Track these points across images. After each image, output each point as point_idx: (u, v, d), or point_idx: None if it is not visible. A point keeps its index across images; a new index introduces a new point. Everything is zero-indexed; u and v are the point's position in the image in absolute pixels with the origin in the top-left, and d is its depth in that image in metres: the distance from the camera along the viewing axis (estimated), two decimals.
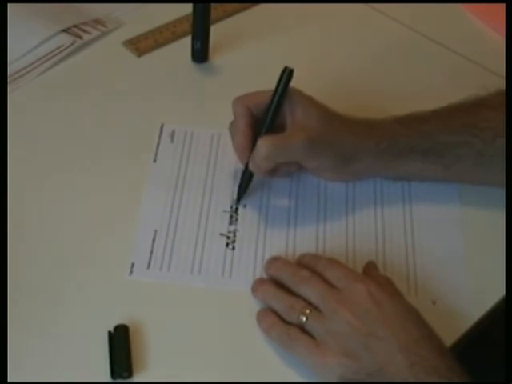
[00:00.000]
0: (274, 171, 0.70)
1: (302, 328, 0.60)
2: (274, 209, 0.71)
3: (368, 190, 0.73)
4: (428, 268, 0.67)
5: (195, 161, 0.75)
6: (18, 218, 0.68)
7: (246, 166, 0.69)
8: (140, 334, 0.61)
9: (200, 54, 0.84)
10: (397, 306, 0.59)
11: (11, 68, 0.81)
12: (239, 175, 0.71)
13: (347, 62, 0.86)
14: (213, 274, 0.66)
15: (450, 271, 0.67)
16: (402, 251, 0.68)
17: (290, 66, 0.67)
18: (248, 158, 0.68)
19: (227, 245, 0.68)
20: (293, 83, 0.67)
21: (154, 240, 0.68)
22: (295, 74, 0.67)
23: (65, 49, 0.84)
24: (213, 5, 0.81)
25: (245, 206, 0.71)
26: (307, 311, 0.60)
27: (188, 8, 0.82)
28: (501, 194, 0.67)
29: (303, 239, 0.69)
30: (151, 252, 0.67)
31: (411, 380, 0.56)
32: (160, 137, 0.77)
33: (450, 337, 0.62)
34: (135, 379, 0.59)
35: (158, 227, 0.69)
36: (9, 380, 0.57)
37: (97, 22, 0.88)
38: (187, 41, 0.84)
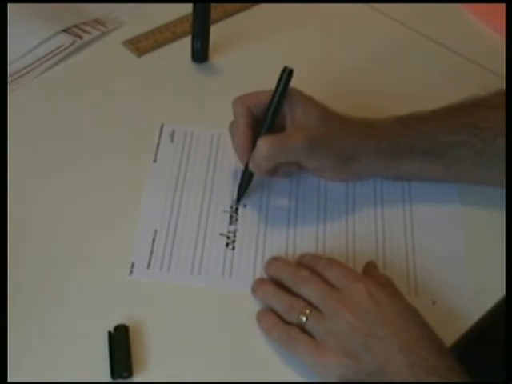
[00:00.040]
0: (274, 171, 0.70)
1: (302, 328, 0.60)
2: (274, 209, 0.71)
3: (368, 190, 0.73)
4: (428, 268, 0.67)
5: (195, 161, 0.75)
6: (18, 217, 0.68)
7: (246, 166, 0.69)
8: (140, 334, 0.61)
9: (200, 54, 0.84)
10: (397, 306, 0.59)
11: (11, 68, 0.81)
12: (239, 175, 0.71)
13: (347, 62, 0.86)
14: (213, 274, 0.66)
15: (450, 271, 0.67)
16: (401, 251, 0.68)
17: (290, 66, 0.67)
18: (248, 158, 0.68)
19: (227, 245, 0.68)
20: (293, 83, 0.67)
21: (153, 240, 0.68)
22: (295, 74, 0.67)
23: (65, 49, 0.84)
24: (213, 5, 0.81)
25: (245, 205, 0.71)
26: (307, 311, 0.60)
27: (188, 8, 0.82)
28: (501, 193, 0.67)
29: (303, 239, 0.69)
30: (151, 252, 0.67)
31: (411, 380, 0.56)
32: (160, 137, 0.77)
33: (450, 337, 0.62)
34: (135, 379, 0.59)
35: (158, 227, 0.69)
36: (9, 380, 0.57)
37: (97, 22, 0.88)
38: (187, 41, 0.84)
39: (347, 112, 0.70)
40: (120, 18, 0.89)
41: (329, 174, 0.71)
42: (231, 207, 0.71)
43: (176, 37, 0.87)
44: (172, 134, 0.77)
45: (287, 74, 0.67)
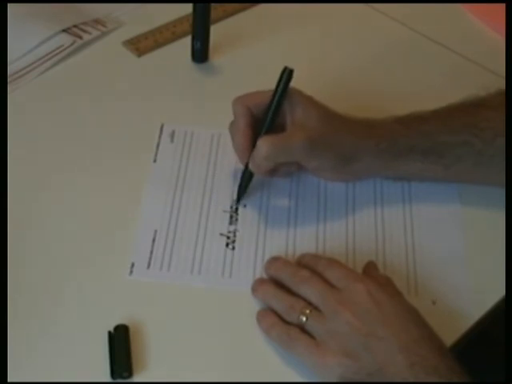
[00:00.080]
0: (273, 171, 0.70)
1: (302, 328, 0.60)
2: (274, 209, 0.71)
3: (368, 190, 0.73)
4: (428, 268, 0.67)
5: (195, 161, 0.75)
6: (18, 217, 0.68)
7: (246, 166, 0.69)
8: (140, 334, 0.61)
9: (200, 54, 0.84)
10: (397, 306, 0.59)
11: (11, 68, 0.81)
12: (239, 175, 0.71)
13: (347, 62, 0.86)
14: (213, 274, 0.66)
15: (450, 271, 0.67)
16: (401, 251, 0.68)
17: (290, 66, 0.67)
18: (248, 158, 0.68)
19: (227, 245, 0.68)
20: (293, 83, 0.67)
21: (153, 240, 0.68)
22: (295, 74, 0.67)
23: (65, 49, 0.84)
24: (213, 5, 0.81)
25: (245, 205, 0.71)
26: (307, 311, 0.60)
27: (188, 8, 0.82)
28: (501, 193, 0.67)
29: (303, 239, 0.69)
30: (151, 252, 0.67)
31: (411, 380, 0.56)
32: (160, 137, 0.77)
33: (450, 337, 0.62)
34: (135, 379, 0.59)
35: (158, 227, 0.69)
36: (9, 380, 0.57)
37: (97, 22, 0.88)
38: (187, 41, 0.84)
39: (347, 112, 0.70)
40: (120, 18, 0.89)
41: (329, 174, 0.71)
42: (231, 207, 0.71)
43: (176, 37, 0.87)
44: (172, 134, 0.77)
45: (287, 74, 0.67)
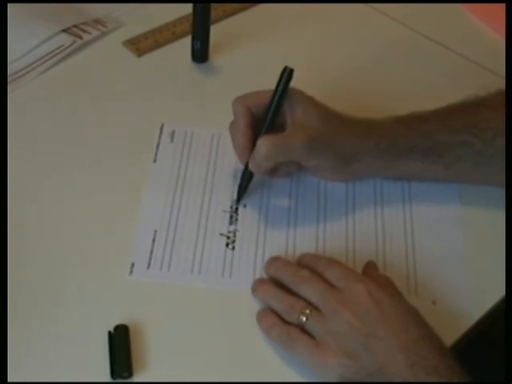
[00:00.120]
0: (273, 171, 0.70)
1: (302, 328, 0.60)
2: (274, 209, 0.71)
3: (368, 190, 0.73)
4: (428, 268, 0.67)
5: (195, 161, 0.75)
6: (18, 217, 0.68)
7: (246, 166, 0.69)
8: (140, 334, 0.61)
9: (200, 54, 0.84)
10: (397, 306, 0.59)
11: (11, 68, 0.81)
12: (239, 175, 0.71)
13: (347, 62, 0.86)
14: (213, 274, 0.66)
15: (450, 271, 0.67)
16: (401, 251, 0.68)
17: (290, 66, 0.67)
18: (248, 158, 0.68)
19: (227, 245, 0.68)
20: (293, 83, 0.67)
21: (154, 240, 0.68)
22: (295, 74, 0.67)
23: (65, 49, 0.84)
24: (213, 5, 0.81)
25: (245, 205, 0.71)
26: (307, 311, 0.60)
27: (188, 8, 0.82)
28: (501, 193, 0.67)
29: (303, 239, 0.69)
30: (151, 252, 0.67)
31: (411, 380, 0.56)
32: (160, 137, 0.77)
33: (450, 337, 0.62)
34: (135, 379, 0.59)
35: (158, 227, 0.69)
36: (9, 380, 0.57)
37: (97, 22, 0.88)
38: (187, 41, 0.84)
39: (347, 112, 0.70)
40: (120, 18, 0.89)
41: (329, 174, 0.71)
42: (231, 207, 0.71)
43: (176, 37, 0.87)
44: (172, 134, 0.77)
45: (287, 73, 0.67)
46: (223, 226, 0.69)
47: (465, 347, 0.63)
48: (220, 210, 0.71)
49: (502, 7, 0.83)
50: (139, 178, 0.73)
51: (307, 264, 0.64)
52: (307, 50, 0.87)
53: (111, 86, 0.82)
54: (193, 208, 0.71)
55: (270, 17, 0.91)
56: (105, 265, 0.66)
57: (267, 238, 0.69)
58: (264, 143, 0.66)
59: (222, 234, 0.69)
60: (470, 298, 0.65)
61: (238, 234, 0.69)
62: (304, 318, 0.60)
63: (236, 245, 0.68)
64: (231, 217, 0.70)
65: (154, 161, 0.74)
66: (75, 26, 0.86)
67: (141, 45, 0.86)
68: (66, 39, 0.84)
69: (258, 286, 0.64)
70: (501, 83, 0.70)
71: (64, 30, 0.85)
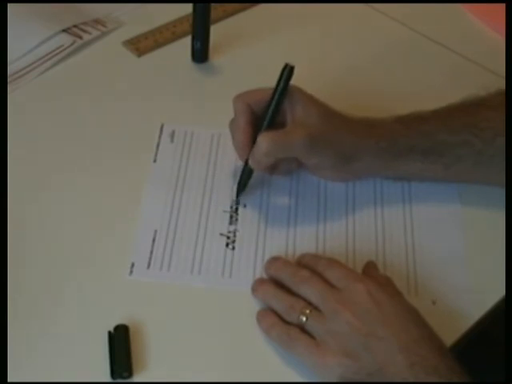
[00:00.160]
0: (273, 168, 0.70)
1: (302, 328, 0.60)
2: (274, 209, 0.71)
3: (368, 190, 0.73)
4: (428, 268, 0.67)
5: (195, 161, 0.75)
6: (18, 217, 0.68)
7: (246, 163, 0.69)
8: (140, 334, 0.61)
9: (200, 54, 0.84)
10: (397, 306, 0.59)
11: (11, 68, 0.81)
12: (239, 173, 0.71)
13: (347, 62, 0.86)
14: (213, 274, 0.66)
15: (450, 271, 0.67)
16: (401, 251, 0.68)
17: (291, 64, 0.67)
18: (248, 155, 0.68)
19: (227, 245, 0.68)
20: (293, 83, 0.67)
21: (154, 240, 0.68)
22: (295, 74, 0.67)
23: (65, 49, 0.84)
24: (213, 5, 0.81)
25: (245, 205, 0.71)
26: (307, 311, 0.60)
27: (188, 8, 0.82)
28: (501, 193, 0.67)
29: (303, 239, 0.69)
30: (151, 252, 0.67)
31: (411, 380, 0.56)
32: (160, 137, 0.77)
33: (450, 337, 0.62)
34: (135, 379, 0.59)
35: (158, 227, 0.69)
36: (9, 380, 0.57)
37: (97, 22, 0.88)
38: (187, 41, 0.84)
39: (347, 112, 0.70)
40: (120, 18, 0.89)
41: (329, 173, 0.71)
42: (231, 207, 0.71)
43: (176, 37, 0.87)
44: (172, 134, 0.77)
45: (288, 70, 0.67)
46: (223, 226, 0.69)
47: (465, 347, 0.63)
48: (220, 210, 0.71)
49: (502, 7, 0.83)
50: (139, 178, 0.73)
51: (307, 264, 0.64)
52: (307, 50, 0.87)
53: (111, 86, 0.82)
54: (193, 208, 0.71)
55: (270, 17, 0.91)
56: (105, 265, 0.66)
57: (267, 238, 0.69)
58: (264, 139, 0.66)
59: (221, 234, 0.69)
60: (469, 298, 0.65)
61: (238, 234, 0.69)
62: (304, 318, 0.60)
63: (236, 245, 0.68)
64: (231, 217, 0.70)
65: (154, 161, 0.74)
66: (75, 26, 0.86)
67: (141, 45, 0.86)
68: (66, 39, 0.84)
69: (258, 286, 0.64)
70: (501, 83, 0.71)
71: (64, 30, 0.85)
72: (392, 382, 0.56)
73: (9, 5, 0.81)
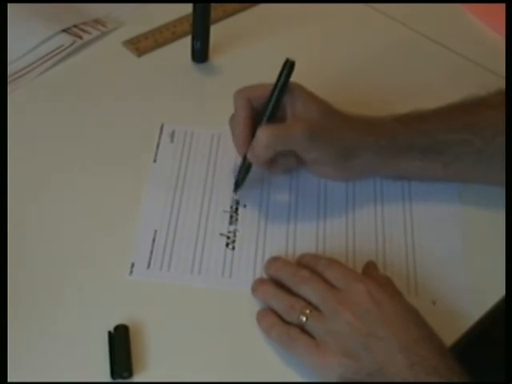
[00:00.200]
0: (272, 164, 0.69)
1: (302, 328, 0.60)
2: (274, 209, 0.71)
3: (368, 190, 0.73)
4: (428, 268, 0.67)
5: (195, 161, 0.75)
6: (18, 217, 0.68)
7: (245, 158, 0.69)
8: (140, 334, 0.61)
9: (200, 54, 0.84)
10: (397, 306, 0.59)
11: (11, 68, 0.81)
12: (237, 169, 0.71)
13: (347, 62, 0.86)
14: (213, 274, 0.66)
15: (450, 271, 0.67)
16: (401, 251, 0.68)
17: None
18: (247, 150, 0.68)
19: (227, 245, 0.68)
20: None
21: (154, 240, 0.68)
22: (295, 74, 0.67)
23: (65, 49, 0.84)
24: (213, 5, 0.81)
25: (245, 205, 0.71)
26: (307, 311, 0.60)
27: (188, 8, 0.82)
28: (501, 193, 0.67)
29: (303, 239, 0.69)
30: (151, 252, 0.67)
31: (411, 380, 0.56)
32: (160, 137, 0.77)
33: (450, 337, 0.62)
34: (135, 379, 0.59)
35: (158, 227, 0.69)
36: (9, 380, 0.57)
37: (97, 22, 0.88)
38: (187, 41, 0.84)
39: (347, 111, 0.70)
40: (120, 18, 0.89)
41: (329, 171, 0.71)
42: (231, 207, 0.71)
43: (176, 37, 0.87)
44: (172, 134, 0.77)
45: (289, 66, 0.67)
46: (223, 226, 0.69)
47: (465, 347, 0.63)
48: (220, 210, 0.71)
49: (502, 7, 0.83)
50: (139, 178, 0.73)
51: (307, 264, 0.64)
52: (307, 50, 0.87)
53: (111, 86, 0.82)
54: (193, 208, 0.71)
55: (270, 17, 0.91)
56: (105, 265, 0.66)
57: (267, 238, 0.69)
58: (264, 132, 0.66)
59: (222, 234, 0.69)
60: (469, 298, 0.65)
61: (238, 234, 0.69)
62: (304, 318, 0.60)
63: (236, 245, 0.68)
64: (231, 217, 0.70)
65: (154, 161, 0.74)
66: (75, 26, 0.86)
67: (141, 45, 0.86)
68: (66, 39, 0.84)
69: (258, 286, 0.64)
70: (501, 83, 0.71)
71: (64, 30, 0.85)
72: (392, 382, 0.56)
73: (9, 5, 0.81)
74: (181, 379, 0.59)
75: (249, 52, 0.86)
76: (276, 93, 0.67)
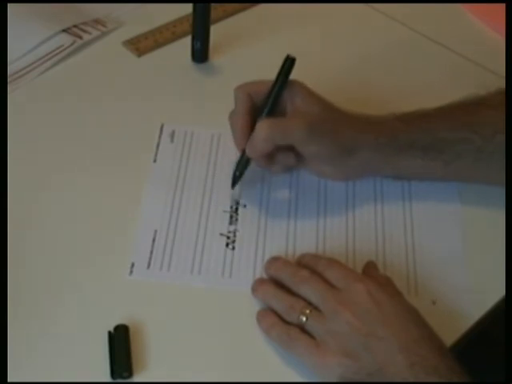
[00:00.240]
0: (270, 161, 0.69)
1: (302, 328, 0.60)
2: (274, 209, 0.71)
3: (368, 190, 0.73)
4: (428, 268, 0.67)
5: (195, 161, 0.75)
6: (18, 217, 0.68)
7: (243, 153, 0.69)
8: (140, 334, 0.61)
9: (200, 54, 0.84)
10: (397, 306, 0.59)
11: (11, 68, 0.81)
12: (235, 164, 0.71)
13: (347, 62, 0.86)
14: (213, 274, 0.66)
15: (450, 271, 0.67)
16: (401, 251, 0.68)
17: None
18: (245, 144, 0.68)
19: (227, 245, 0.68)
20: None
21: (154, 240, 0.68)
22: (295, 74, 0.67)
23: (65, 49, 0.84)
24: (213, 5, 0.81)
25: (245, 205, 0.71)
26: (307, 311, 0.60)
27: (188, 8, 0.82)
28: (501, 193, 0.67)
29: (303, 239, 0.69)
30: (151, 252, 0.67)
31: (411, 380, 0.56)
32: (160, 137, 0.77)
33: (450, 337, 0.62)
34: (135, 379, 0.59)
35: (158, 227, 0.69)
36: (9, 380, 0.57)
37: (97, 22, 0.88)
38: (187, 41, 0.84)
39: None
40: (120, 18, 0.89)
41: (328, 169, 0.70)
42: (231, 207, 0.71)
43: (176, 37, 0.87)
44: (172, 134, 0.77)
45: (289, 62, 0.67)
46: (223, 226, 0.69)
47: (465, 347, 0.63)
48: (220, 210, 0.71)
49: (502, 7, 0.83)
50: (139, 178, 0.73)
51: (307, 264, 0.64)
52: (307, 50, 0.86)
53: (111, 86, 0.82)
54: (193, 208, 0.71)
55: (270, 17, 0.91)
56: (105, 265, 0.66)
57: (267, 238, 0.69)
58: (263, 125, 0.66)
59: (222, 234, 0.69)
60: (469, 298, 0.65)
61: (238, 234, 0.69)
62: (304, 318, 0.60)
63: (236, 245, 0.68)
64: (231, 217, 0.70)
65: (154, 161, 0.74)
66: (75, 26, 0.86)
67: (141, 45, 0.86)
68: (66, 39, 0.84)
69: (258, 286, 0.64)
70: (501, 83, 0.71)
71: (64, 30, 0.85)
72: (392, 382, 0.56)
73: (9, 5, 0.81)
74: (181, 379, 0.59)
75: (249, 52, 0.86)
76: (276, 88, 0.67)
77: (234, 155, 0.72)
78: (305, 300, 0.61)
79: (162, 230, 0.69)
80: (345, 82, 0.83)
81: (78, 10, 0.89)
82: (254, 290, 0.64)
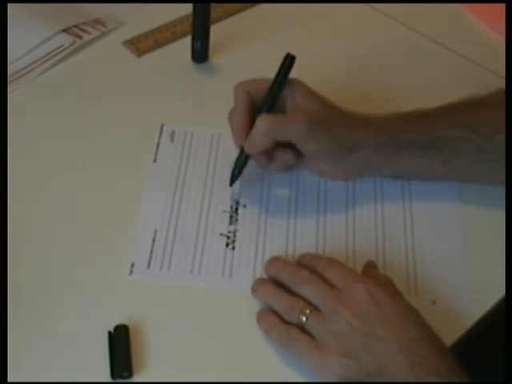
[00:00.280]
0: (269, 159, 0.69)
1: (302, 328, 0.60)
2: (274, 209, 0.71)
3: (368, 189, 0.73)
4: (428, 268, 0.67)
5: (195, 161, 0.75)
6: (18, 217, 0.68)
7: (242, 150, 0.69)
8: (140, 334, 0.61)
9: (200, 54, 0.84)
10: (397, 306, 0.59)
11: (11, 68, 0.81)
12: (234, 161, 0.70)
13: (347, 62, 0.86)
14: (213, 274, 0.66)
15: (450, 271, 0.67)
16: (401, 251, 0.68)
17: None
18: (244, 141, 0.68)
19: (227, 245, 0.68)
20: None
21: (154, 240, 0.68)
22: (295, 74, 0.67)
23: (65, 49, 0.84)
24: (213, 5, 0.81)
25: (245, 206, 0.71)
26: (307, 311, 0.60)
27: (188, 8, 0.82)
28: (501, 192, 0.67)
29: (303, 239, 0.69)
30: (151, 252, 0.67)
31: (411, 380, 0.56)
32: (160, 137, 0.77)
33: (450, 337, 0.62)
34: (135, 379, 0.59)
35: (158, 227, 0.69)
36: (9, 380, 0.57)
37: (97, 22, 0.88)
38: (187, 41, 0.84)
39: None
40: (120, 18, 0.89)
41: (328, 168, 0.70)
42: (231, 207, 0.71)
43: (176, 37, 0.87)
44: (172, 134, 0.77)
45: (289, 60, 0.67)
46: (223, 226, 0.69)
47: (465, 347, 0.63)
48: (220, 210, 0.71)
49: (502, 7, 0.83)
50: (139, 178, 0.73)
51: (307, 264, 0.64)
52: (307, 50, 0.86)
53: (111, 86, 0.82)
54: (193, 208, 0.71)
55: (270, 17, 0.91)
56: (105, 265, 0.66)
57: (267, 238, 0.69)
58: (263, 121, 0.66)
59: (222, 234, 0.69)
60: (469, 298, 0.65)
61: (238, 234, 0.69)
62: (304, 318, 0.60)
63: (236, 245, 0.68)
64: (231, 217, 0.70)
65: (154, 161, 0.74)
66: (75, 26, 0.86)
67: (141, 45, 0.86)
68: (66, 39, 0.84)
69: (258, 286, 0.64)
70: (501, 83, 0.71)
71: (64, 30, 0.85)
72: (392, 382, 0.56)
73: (9, 5, 0.81)
74: (181, 379, 0.59)
75: (249, 52, 0.86)
76: (276, 86, 0.67)
77: (234, 155, 0.71)
78: (305, 300, 0.61)
79: (162, 230, 0.69)
80: (345, 81, 0.83)
81: (78, 10, 0.89)
82: (254, 289, 0.64)
